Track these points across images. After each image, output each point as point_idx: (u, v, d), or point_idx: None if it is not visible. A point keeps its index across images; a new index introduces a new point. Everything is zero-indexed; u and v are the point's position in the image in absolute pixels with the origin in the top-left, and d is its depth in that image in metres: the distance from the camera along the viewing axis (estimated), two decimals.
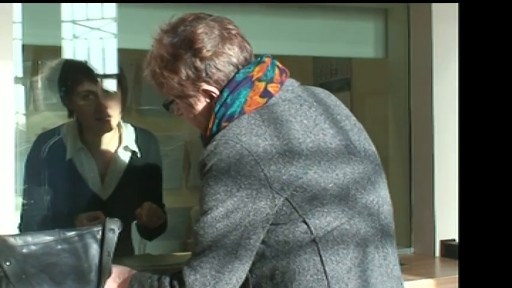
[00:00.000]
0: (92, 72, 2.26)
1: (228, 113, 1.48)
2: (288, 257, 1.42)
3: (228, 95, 1.48)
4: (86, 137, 2.27)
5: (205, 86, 1.50)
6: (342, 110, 1.58)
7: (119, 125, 2.30)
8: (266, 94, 1.49)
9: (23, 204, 2.24)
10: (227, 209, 1.40)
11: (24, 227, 2.17)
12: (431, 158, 2.63)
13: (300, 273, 1.41)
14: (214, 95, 1.51)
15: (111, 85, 2.25)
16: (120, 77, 2.31)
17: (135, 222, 2.29)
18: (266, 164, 1.40)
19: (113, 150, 2.29)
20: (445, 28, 2.61)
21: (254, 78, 1.49)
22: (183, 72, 1.50)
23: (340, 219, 1.43)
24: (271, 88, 1.50)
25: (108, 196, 2.26)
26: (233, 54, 1.50)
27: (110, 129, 2.26)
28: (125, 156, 2.30)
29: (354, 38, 2.79)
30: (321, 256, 1.41)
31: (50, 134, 2.31)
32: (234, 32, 1.53)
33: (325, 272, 1.41)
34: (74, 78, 2.25)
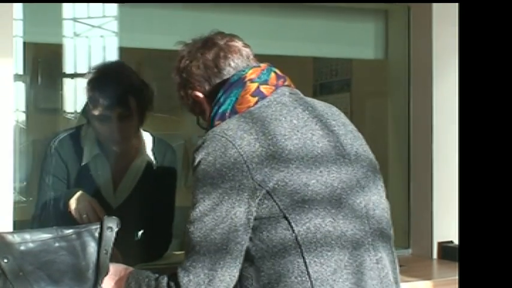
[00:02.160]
0: (109, 97, 2.16)
1: (220, 111, 1.55)
2: (273, 259, 1.43)
3: (221, 95, 1.56)
4: (104, 144, 2.23)
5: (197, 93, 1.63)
6: (340, 119, 1.61)
7: (137, 134, 2.26)
8: (258, 93, 1.54)
9: (36, 202, 2.23)
10: (213, 202, 1.43)
11: (30, 226, 2.17)
12: (430, 159, 2.63)
13: (284, 275, 1.42)
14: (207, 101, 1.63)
15: (125, 108, 2.16)
16: (139, 100, 2.20)
17: (141, 232, 2.28)
18: (249, 157, 1.43)
19: (129, 159, 2.25)
20: (445, 30, 2.61)
21: (247, 79, 1.56)
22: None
23: (323, 217, 1.44)
24: (264, 89, 1.55)
25: (118, 205, 2.24)
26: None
27: (124, 148, 2.23)
28: (141, 167, 2.26)
29: (354, 39, 2.79)
30: (304, 258, 1.42)
31: (67, 134, 2.26)
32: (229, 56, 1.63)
33: (308, 273, 1.41)
34: (92, 100, 2.19)
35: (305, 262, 1.42)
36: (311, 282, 1.41)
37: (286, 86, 1.61)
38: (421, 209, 2.67)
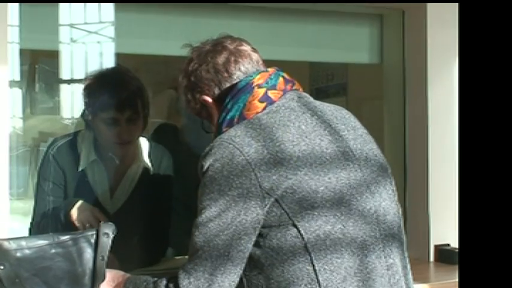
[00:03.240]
0: (119, 99, 2.15)
1: (228, 117, 1.53)
2: (282, 266, 1.42)
3: (229, 101, 1.54)
4: (101, 149, 2.22)
5: (204, 97, 1.61)
6: (349, 122, 1.59)
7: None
8: (266, 99, 1.53)
9: (34, 210, 2.22)
10: (219, 209, 1.42)
11: (28, 233, 2.17)
12: (426, 163, 2.63)
13: (294, 283, 1.41)
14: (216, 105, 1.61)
15: (134, 111, 2.16)
16: (144, 103, 2.20)
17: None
18: (257, 164, 1.42)
19: (126, 165, 2.24)
20: (440, 33, 2.62)
21: (254, 85, 1.54)
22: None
23: (333, 224, 1.43)
24: (272, 94, 1.54)
25: (115, 211, 2.23)
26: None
27: (126, 151, 2.22)
28: (137, 172, 2.25)
29: (349, 44, 2.79)
30: (313, 265, 1.41)
31: (64, 141, 2.25)
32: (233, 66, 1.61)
33: (318, 281, 1.41)
34: (101, 103, 2.17)
35: (315, 270, 1.41)
36: None
37: (295, 90, 1.60)
38: (417, 212, 2.67)
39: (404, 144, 2.73)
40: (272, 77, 1.56)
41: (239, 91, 1.54)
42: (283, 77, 1.58)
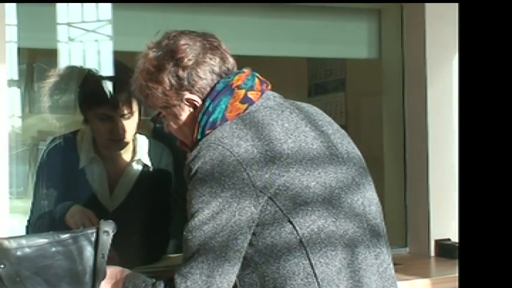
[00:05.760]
0: (116, 96, 2.16)
1: (210, 120, 1.53)
2: (277, 262, 1.43)
3: (209, 104, 1.54)
4: (99, 147, 2.24)
5: (188, 95, 1.56)
6: (325, 118, 1.62)
7: (133, 137, 2.26)
8: (247, 100, 1.54)
9: (31, 208, 2.23)
10: (213, 211, 1.42)
11: (27, 232, 2.18)
12: (426, 157, 2.63)
13: (290, 278, 1.42)
14: (197, 103, 1.57)
15: (129, 109, 2.17)
16: (141, 103, 2.20)
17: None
18: (248, 164, 1.43)
19: (125, 163, 2.26)
20: (438, 28, 2.62)
21: (234, 86, 1.54)
22: (167, 82, 1.56)
23: (325, 218, 1.45)
24: (252, 95, 1.55)
25: (114, 208, 2.24)
26: (215, 63, 1.57)
27: (121, 149, 2.23)
28: (137, 170, 2.26)
29: (348, 39, 2.79)
30: (309, 259, 1.42)
31: (62, 140, 2.27)
32: (215, 43, 1.59)
33: (315, 274, 1.42)
34: (94, 97, 2.19)
35: (311, 263, 1.42)
36: (318, 283, 1.42)
37: (269, 90, 1.61)
38: (417, 207, 2.68)
39: (403, 140, 2.73)
40: (249, 78, 1.57)
41: (219, 93, 1.54)
42: (258, 77, 1.60)
